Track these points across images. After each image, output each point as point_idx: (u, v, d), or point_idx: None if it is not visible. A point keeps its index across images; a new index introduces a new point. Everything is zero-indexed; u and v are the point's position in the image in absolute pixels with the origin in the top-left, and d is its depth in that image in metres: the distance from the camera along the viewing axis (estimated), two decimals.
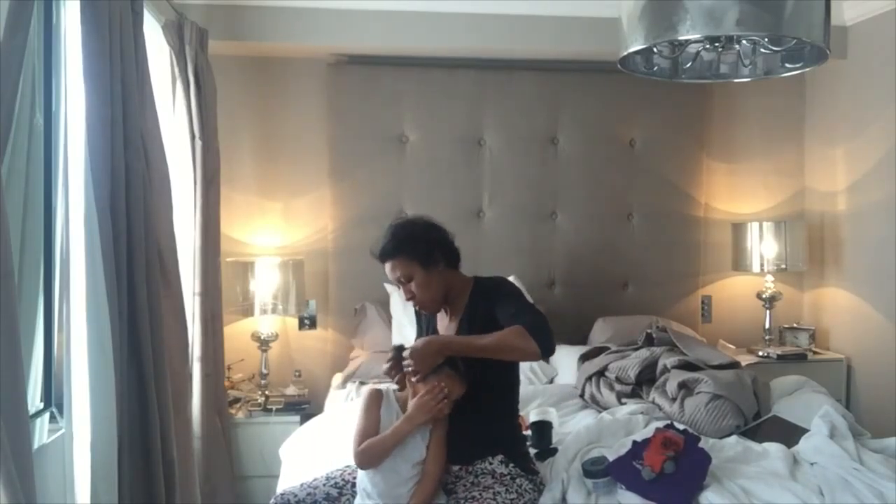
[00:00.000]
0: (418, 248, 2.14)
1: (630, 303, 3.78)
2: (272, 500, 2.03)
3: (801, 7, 1.85)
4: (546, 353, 1.95)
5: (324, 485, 2.03)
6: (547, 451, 2.29)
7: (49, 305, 1.93)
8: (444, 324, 2.24)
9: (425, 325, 2.32)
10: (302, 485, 2.05)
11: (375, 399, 2.06)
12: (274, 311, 3.41)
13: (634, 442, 2.12)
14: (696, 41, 2.06)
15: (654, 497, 1.94)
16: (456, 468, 2.03)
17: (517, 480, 2.00)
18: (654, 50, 2.15)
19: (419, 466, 1.99)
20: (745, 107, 3.95)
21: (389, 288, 3.50)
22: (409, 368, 1.96)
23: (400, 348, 2.05)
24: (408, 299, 2.18)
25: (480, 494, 1.92)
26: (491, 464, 2.02)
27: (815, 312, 3.98)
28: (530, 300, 2.22)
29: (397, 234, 2.18)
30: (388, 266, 2.17)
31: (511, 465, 2.03)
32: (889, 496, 1.95)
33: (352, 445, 2.00)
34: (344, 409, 2.86)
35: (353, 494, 2.01)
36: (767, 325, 3.79)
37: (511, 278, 3.42)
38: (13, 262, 1.51)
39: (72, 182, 1.96)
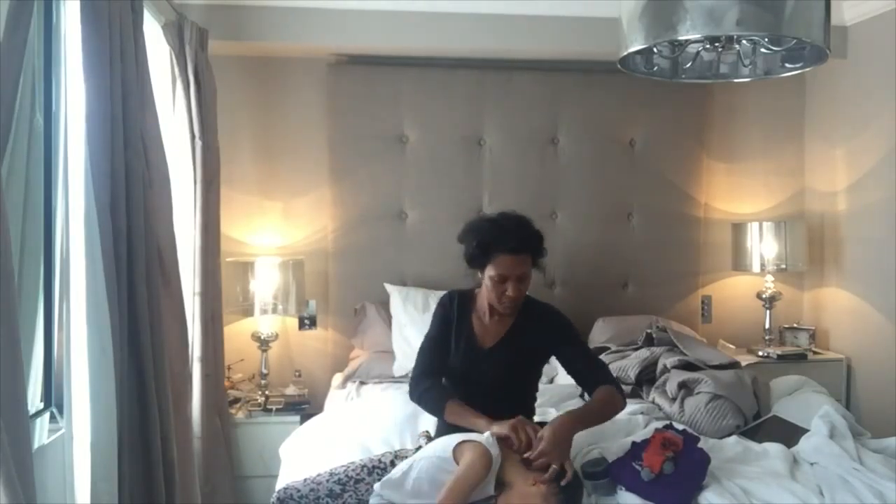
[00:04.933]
0: (537, 244, 2.13)
1: (630, 303, 3.78)
2: (274, 494, 2.03)
3: (801, 7, 1.85)
4: (625, 405, 2.23)
5: (327, 481, 2.03)
6: None
7: (49, 305, 1.93)
8: (485, 326, 2.23)
9: (457, 323, 2.24)
10: (305, 480, 2.05)
11: (487, 464, 1.86)
12: (274, 311, 3.41)
13: (634, 443, 2.12)
14: (696, 41, 2.06)
15: (653, 498, 1.94)
16: None
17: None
18: (654, 50, 2.15)
19: None
20: (745, 107, 3.95)
21: (389, 288, 3.50)
22: (537, 457, 1.90)
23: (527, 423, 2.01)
24: (513, 296, 2.10)
25: None
26: None
27: (815, 312, 3.98)
28: None
29: (528, 230, 2.12)
30: (515, 259, 2.07)
31: None
32: (889, 496, 1.95)
33: (441, 496, 1.85)
34: (344, 409, 2.86)
35: (356, 491, 2.01)
36: (767, 325, 3.79)
37: None
38: (13, 262, 1.51)
39: (72, 182, 1.95)
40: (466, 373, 2.20)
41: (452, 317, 2.26)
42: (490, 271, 2.10)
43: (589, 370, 2.21)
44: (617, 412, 2.19)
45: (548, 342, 2.21)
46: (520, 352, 2.18)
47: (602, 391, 2.15)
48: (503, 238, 2.07)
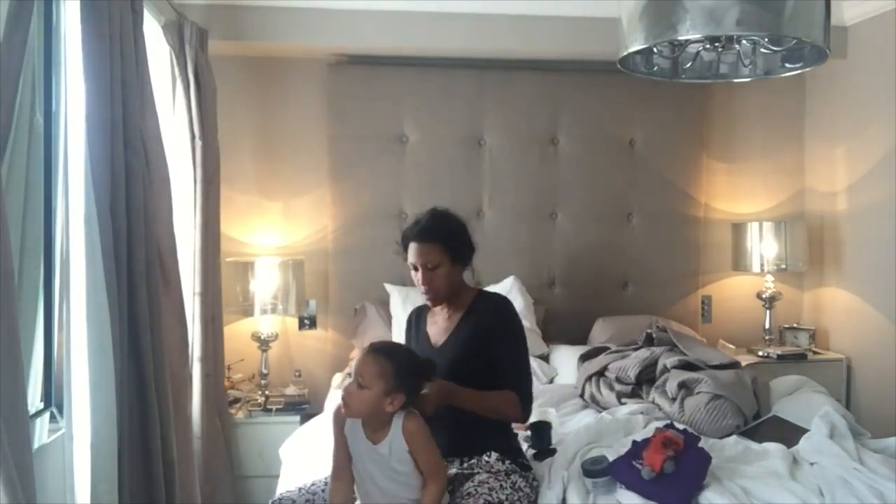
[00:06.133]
0: (456, 241, 2.15)
1: (630, 303, 3.78)
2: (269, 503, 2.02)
3: (801, 7, 1.85)
4: (524, 421, 2.20)
5: (322, 490, 2.01)
6: (546, 451, 2.29)
7: (49, 305, 1.93)
8: (437, 325, 2.22)
9: (415, 332, 2.30)
10: (300, 489, 2.03)
11: (337, 419, 1.90)
12: (274, 311, 3.41)
13: (634, 442, 2.12)
14: (696, 41, 2.06)
15: (653, 497, 1.94)
16: (452, 472, 2.03)
17: (512, 477, 2.01)
18: (654, 50, 2.15)
19: (402, 476, 1.85)
20: (745, 107, 3.95)
21: (389, 288, 3.51)
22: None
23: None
24: (424, 284, 2.13)
25: (476, 490, 1.92)
26: (488, 462, 2.04)
27: (815, 312, 3.98)
28: (525, 335, 2.21)
29: (440, 222, 2.16)
30: (420, 247, 2.12)
31: (507, 461, 2.05)
32: (889, 496, 1.95)
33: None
34: None
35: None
36: (767, 325, 3.79)
37: (511, 278, 3.44)
38: (13, 262, 1.51)
39: (72, 182, 1.96)
40: None
41: (412, 325, 2.33)
42: (408, 261, 2.17)
43: (507, 373, 2.12)
44: (504, 417, 2.12)
45: (490, 331, 2.13)
46: (465, 345, 2.13)
47: (504, 392, 2.09)
48: (411, 227, 2.16)
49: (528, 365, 2.18)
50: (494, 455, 2.05)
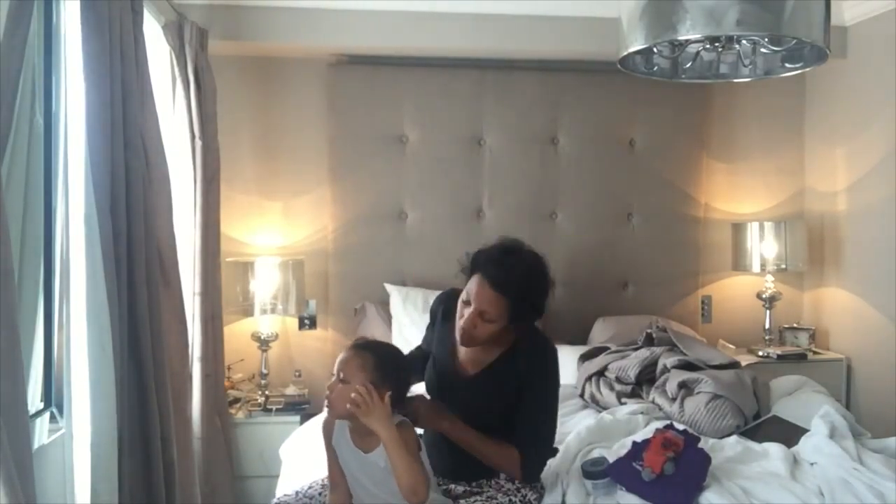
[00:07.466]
0: (527, 306, 1.92)
1: (630, 303, 3.78)
2: None
3: (801, 7, 1.85)
4: (523, 482, 2.00)
5: (319, 493, 2.01)
6: None
7: (49, 305, 1.93)
8: None
9: (439, 325, 2.15)
10: (297, 492, 2.03)
11: (325, 430, 1.88)
12: (274, 311, 3.41)
13: (634, 443, 2.12)
14: (696, 41, 2.07)
15: (653, 498, 1.94)
16: (461, 489, 2.01)
17: (522, 491, 1.99)
18: (654, 50, 2.15)
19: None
20: (745, 107, 3.95)
21: (389, 288, 3.51)
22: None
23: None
24: (463, 325, 1.93)
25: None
26: (497, 482, 2.02)
27: (815, 312, 3.98)
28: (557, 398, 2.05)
29: (524, 277, 1.90)
30: (485, 293, 1.88)
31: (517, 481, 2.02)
32: (889, 496, 1.95)
33: None
34: None
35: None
36: (767, 325, 3.79)
37: None
38: (13, 262, 1.51)
39: (72, 182, 1.95)
40: (441, 395, 2.05)
41: (437, 317, 2.17)
42: (466, 288, 1.96)
43: (521, 429, 1.97)
44: (500, 470, 1.98)
45: (522, 382, 1.99)
46: (501, 389, 1.99)
47: (510, 448, 1.95)
48: (492, 262, 1.91)
49: (549, 426, 2.02)
50: (504, 476, 2.01)
